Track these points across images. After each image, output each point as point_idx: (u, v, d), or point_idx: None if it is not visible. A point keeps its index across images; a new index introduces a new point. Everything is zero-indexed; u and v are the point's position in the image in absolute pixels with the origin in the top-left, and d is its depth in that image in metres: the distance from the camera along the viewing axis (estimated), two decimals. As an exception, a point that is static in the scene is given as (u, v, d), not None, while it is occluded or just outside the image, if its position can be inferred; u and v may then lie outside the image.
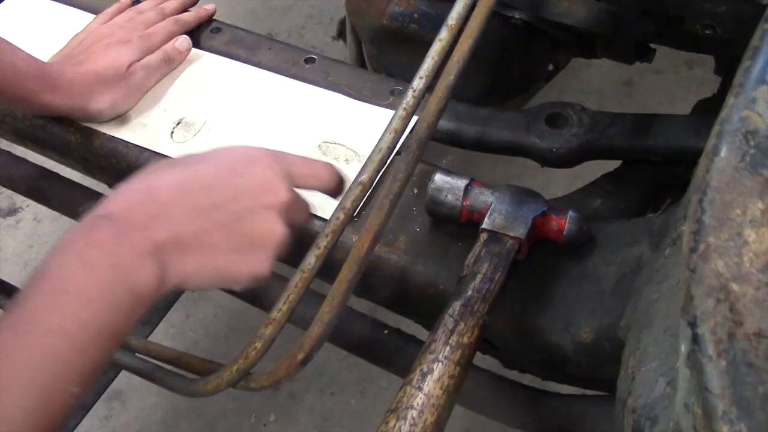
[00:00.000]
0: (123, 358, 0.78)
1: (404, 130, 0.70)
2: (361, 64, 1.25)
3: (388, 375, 0.88)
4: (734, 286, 0.41)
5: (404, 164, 0.66)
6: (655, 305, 0.57)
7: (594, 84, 2.12)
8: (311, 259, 0.65)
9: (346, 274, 0.63)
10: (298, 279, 0.65)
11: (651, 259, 0.71)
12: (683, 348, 0.42)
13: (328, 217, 0.82)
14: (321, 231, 0.67)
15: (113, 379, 0.86)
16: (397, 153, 0.70)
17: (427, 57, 0.71)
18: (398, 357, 0.84)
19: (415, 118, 0.70)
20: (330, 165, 0.68)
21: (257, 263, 0.61)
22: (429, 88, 0.70)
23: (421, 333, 0.87)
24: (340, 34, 1.34)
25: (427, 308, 0.82)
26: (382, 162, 0.68)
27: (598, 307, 0.73)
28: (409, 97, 0.70)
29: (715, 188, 0.44)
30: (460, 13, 0.72)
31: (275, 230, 0.61)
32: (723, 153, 0.44)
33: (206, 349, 1.80)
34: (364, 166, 0.68)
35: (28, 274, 0.55)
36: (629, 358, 0.56)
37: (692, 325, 0.41)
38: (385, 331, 0.84)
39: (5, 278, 1.11)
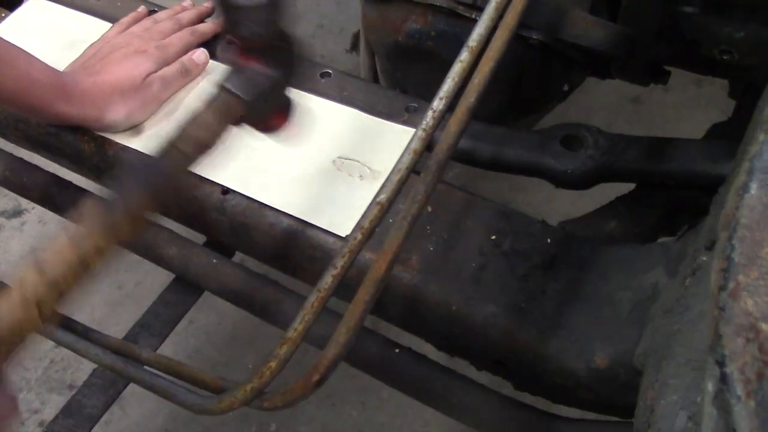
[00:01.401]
0: (132, 371, 0.78)
1: (423, 151, 0.69)
2: (375, 78, 1.25)
3: (390, 387, 0.87)
4: (764, 326, 0.41)
5: (423, 185, 0.66)
6: (675, 336, 0.56)
7: (602, 100, 2.12)
8: (328, 279, 0.65)
9: (363, 296, 0.63)
10: (314, 299, 0.65)
11: (668, 286, 0.71)
12: (710, 387, 0.42)
13: (344, 235, 0.82)
14: (338, 250, 0.66)
15: (121, 391, 0.86)
16: (416, 172, 0.69)
17: (447, 78, 0.71)
18: (409, 377, 0.83)
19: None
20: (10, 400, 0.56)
21: None
22: (449, 108, 0.70)
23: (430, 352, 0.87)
24: (354, 47, 1.34)
25: (440, 329, 0.82)
26: (401, 182, 0.68)
27: (614, 333, 0.73)
28: (429, 118, 0.69)
29: (744, 225, 0.43)
30: (482, 34, 0.72)
31: None
32: (753, 190, 0.44)
33: (208, 356, 1.80)
34: (383, 186, 0.68)
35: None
36: (648, 389, 0.56)
37: (720, 364, 0.41)
38: (396, 350, 0.83)
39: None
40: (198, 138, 0.61)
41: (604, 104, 2.11)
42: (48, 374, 1.80)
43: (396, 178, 0.67)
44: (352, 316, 0.62)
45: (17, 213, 2.06)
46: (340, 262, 0.65)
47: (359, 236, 0.66)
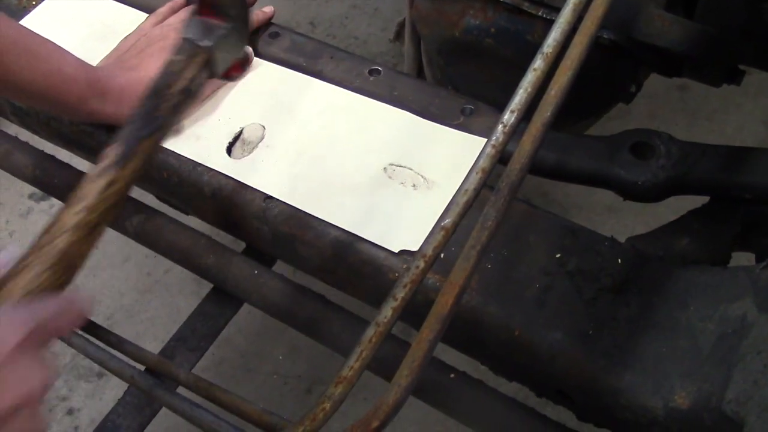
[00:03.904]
0: (169, 399, 0.72)
1: (492, 170, 0.63)
2: (419, 70, 1.19)
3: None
4: None
5: (494, 210, 0.60)
6: (787, 395, 0.50)
7: (646, 87, 2.03)
8: (387, 312, 0.59)
9: (427, 334, 0.57)
10: (372, 334, 0.59)
11: (759, 321, 0.65)
12: None
13: (396, 251, 0.77)
14: (398, 281, 0.60)
15: (158, 411, 0.81)
16: (490, 187, 0.62)
17: (519, 88, 0.64)
18: (462, 403, 0.78)
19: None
20: (79, 300, 0.57)
21: None
22: (521, 121, 0.63)
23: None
24: (398, 37, 1.27)
25: (500, 354, 0.76)
26: (468, 205, 0.61)
27: (696, 370, 0.67)
28: (499, 133, 0.63)
29: None
30: (558, 40, 0.65)
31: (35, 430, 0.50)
32: None
33: (238, 345, 1.76)
34: (448, 209, 0.61)
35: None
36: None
37: None
38: (452, 375, 0.78)
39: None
40: (175, 82, 0.69)
41: (647, 91, 2.01)
42: (76, 361, 1.78)
43: (462, 200, 0.61)
44: (415, 356, 0.57)
45: (46, 196, 2.04)
46: (400, 293, 0.59)
47: (422, 264, 0.60)
